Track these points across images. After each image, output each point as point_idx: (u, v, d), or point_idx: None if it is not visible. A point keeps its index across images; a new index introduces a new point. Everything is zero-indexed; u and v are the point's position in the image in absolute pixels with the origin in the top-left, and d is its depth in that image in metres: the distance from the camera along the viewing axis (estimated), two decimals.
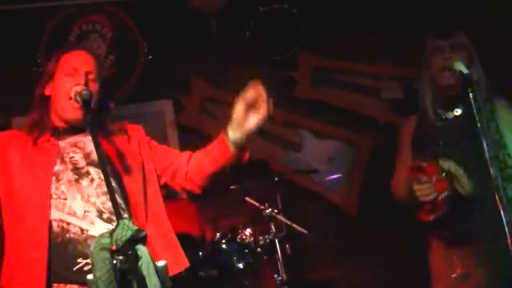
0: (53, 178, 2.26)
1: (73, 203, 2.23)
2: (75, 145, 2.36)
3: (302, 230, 3.57)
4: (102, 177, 2.08)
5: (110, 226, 2.13)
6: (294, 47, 4.68)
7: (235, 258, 3.33)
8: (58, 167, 2.29)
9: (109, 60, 4.25)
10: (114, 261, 1.86)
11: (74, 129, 2.38)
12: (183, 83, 4.68)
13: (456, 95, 2.80)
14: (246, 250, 3.45)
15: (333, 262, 4.53)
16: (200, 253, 3.44)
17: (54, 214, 2.22)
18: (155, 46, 4.32)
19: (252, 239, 3.45)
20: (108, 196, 2.09)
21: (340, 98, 4.88)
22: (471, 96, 2.42)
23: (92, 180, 2.29)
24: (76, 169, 2.30)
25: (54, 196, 2.24)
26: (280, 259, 3.55)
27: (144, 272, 1.89)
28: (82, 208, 2.23)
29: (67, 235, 2.19)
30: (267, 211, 3.59)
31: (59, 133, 2.38)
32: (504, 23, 4.67)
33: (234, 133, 2.28)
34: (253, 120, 2.24)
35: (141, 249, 1.91)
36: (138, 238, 1.89)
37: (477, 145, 2.37)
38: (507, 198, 2.50)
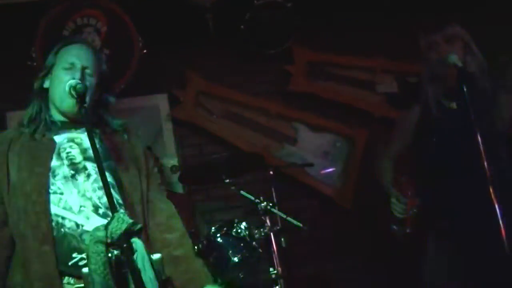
0: (50, 173, 2.26)
1: (69, 198, 2.23)
2: (72, 140, 2.36)
3: (297, 223, 3.57)
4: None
5: (106, 222, 2.12)
6: (289, 40, 4.68)
7: (230, 251, 3.32)
8: (54, 163, 2.29)
9: (104, 54, 4.23)
10: (109, 254, 1.87)
11: (71, 124, 2.39)
12: (179, 77, 4.68)
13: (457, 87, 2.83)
14: (242, 244, 3.44)
15: (328, 255, 4.55)
16: (196, 247, 3.44)
17: (51, 209, 2.22)
18: (150, 40, 4.31)
19: (247, 232, 3.44)
20: (104, 191, 2.09)
21: (335, 92, 4.89)
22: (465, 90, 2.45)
23: (88, 176, 2.29)
24: (72, 164, 2.30)
25: (50, 191, 2.24)
26: (276, 253, 3.55)
27: (140, 265, 1.90)
28: (78, 203, 2.23)
29: (62, 229, 2.19)
30: (262, 204, 3.59)
31: (56, 129, 2.38)
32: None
33: None
34: None
35: (137, 242, 1.92)
36: (133, 230, 1.90)
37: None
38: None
